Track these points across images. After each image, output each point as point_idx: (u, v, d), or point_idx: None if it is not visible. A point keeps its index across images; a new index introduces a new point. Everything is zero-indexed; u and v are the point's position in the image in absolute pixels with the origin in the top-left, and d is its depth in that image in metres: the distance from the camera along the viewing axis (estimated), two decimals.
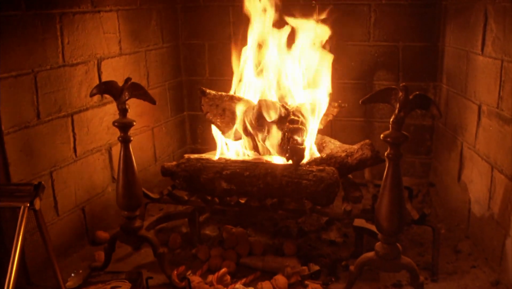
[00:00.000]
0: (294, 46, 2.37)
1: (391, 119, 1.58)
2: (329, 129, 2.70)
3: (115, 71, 2.43)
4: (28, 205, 1.33)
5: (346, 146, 2.25)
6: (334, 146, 2.30)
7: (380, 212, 1.66)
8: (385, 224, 1.65)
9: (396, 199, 1.62)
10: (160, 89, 2.88)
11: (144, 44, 2.68)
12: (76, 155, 2.22)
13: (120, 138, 1.86)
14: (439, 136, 2.77)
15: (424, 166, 2.89)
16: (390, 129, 1.59)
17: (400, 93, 1.56)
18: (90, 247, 2.29)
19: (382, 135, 1.59)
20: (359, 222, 2.09)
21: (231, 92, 2.34)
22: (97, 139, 2.35)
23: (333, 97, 2.50)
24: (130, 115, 1.84)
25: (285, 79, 2.31)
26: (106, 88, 1.85)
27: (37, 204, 1.37)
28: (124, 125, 1.84)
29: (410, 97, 1.56)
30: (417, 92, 1.57)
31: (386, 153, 1.61)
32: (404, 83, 1.56)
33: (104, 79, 2.34)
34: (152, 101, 1.85)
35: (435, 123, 2.80)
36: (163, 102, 2.92)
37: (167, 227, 2.41)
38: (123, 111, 1.84)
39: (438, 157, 2.78)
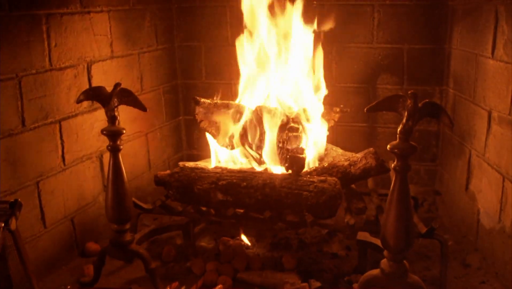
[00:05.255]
0: (294, 48, 2.26)
1: (399, 129, 1.47)
2: (331, 135, 2.59)
3: (106, 75, 2.32)
4: (3, 225, 1.22)
5: (349, 154, 2.15)
6: (336, 153, 2.20)
7: (386, 229, 1.54)
8: (392, 241, 1.54)
9: (404, 215, 1.51)
10: (154, 93, 2.77)
11: (138, 47, 2.57)
12: (64, 164, 2.11)
13: (109, 147, 1.76)
14: (446, 143, 2.66)
15: (429, 173, 2.78)
16: (397, 139, 1.48)
17: (409, 101, 1.45)
18: (80, 259, 2.19)
19: (389, 146, 1.48)
20: (362, 235, 1.98)
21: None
22: (87, 147, 2.24)
23: (335, 101, 2.42)
24: (122, 120, 1.74)
25: (284, 84, 2.19)
26: (94, 94, 1.74)
27: (13, 224, 1.25)
28: (113, 134, 1.73)
29: (420, 105, 1.45)
30: (427, 100, 1.46)
31: (392, 165, 1.50)
32: (412, 90, 1.45)
33: (94, 83, 2.23)
34: (142, 108, 1.74)
35: (441, 129, 2.69)
36: (158, 107, 2.81)
37: (161, 238, 2.30)
38: (112, 118, 1.73)
39: (445, 164, 2.67)
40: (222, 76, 2.63)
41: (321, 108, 2.11)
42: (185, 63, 2.98)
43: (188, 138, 3.10)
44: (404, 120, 1.46)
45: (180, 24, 2.92)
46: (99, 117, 2.27)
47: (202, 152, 2.95)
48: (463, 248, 2.20)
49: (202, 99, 2.07)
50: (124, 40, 2.46)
